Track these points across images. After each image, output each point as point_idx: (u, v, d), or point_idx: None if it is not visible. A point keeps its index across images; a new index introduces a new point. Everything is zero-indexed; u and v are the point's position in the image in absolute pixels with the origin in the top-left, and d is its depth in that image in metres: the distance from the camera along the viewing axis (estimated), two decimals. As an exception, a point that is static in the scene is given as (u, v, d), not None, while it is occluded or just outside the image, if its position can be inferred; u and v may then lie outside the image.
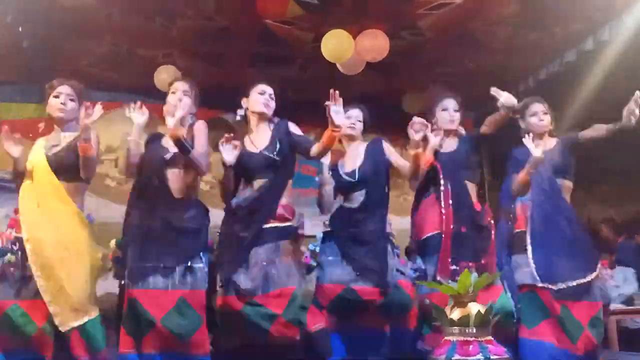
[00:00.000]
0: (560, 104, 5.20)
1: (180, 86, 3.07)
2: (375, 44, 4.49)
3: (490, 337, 2.32)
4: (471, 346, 2.27)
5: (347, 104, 3.41)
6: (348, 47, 4.45)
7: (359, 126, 3.41)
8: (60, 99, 2.93)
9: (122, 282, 2.96)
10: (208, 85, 5.52)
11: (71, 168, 2.81)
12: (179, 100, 2.99)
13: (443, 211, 3.15)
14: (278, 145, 3.00)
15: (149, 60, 5.05)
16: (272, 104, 3.12)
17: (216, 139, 4.33)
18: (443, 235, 3.12)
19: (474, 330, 2.30)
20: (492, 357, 2.23)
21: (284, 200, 2.99)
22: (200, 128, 2.98)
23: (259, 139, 3.07)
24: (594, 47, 4.55)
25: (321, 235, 3.30)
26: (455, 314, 2.36)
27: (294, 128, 3.11)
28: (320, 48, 4.44)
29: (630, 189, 6.20)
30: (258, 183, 2.99)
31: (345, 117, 3.17)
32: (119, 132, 5.84)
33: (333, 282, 3.05)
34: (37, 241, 2.73)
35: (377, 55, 4.55)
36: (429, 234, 3.21)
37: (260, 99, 3.09)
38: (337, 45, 4.43)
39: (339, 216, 3.24)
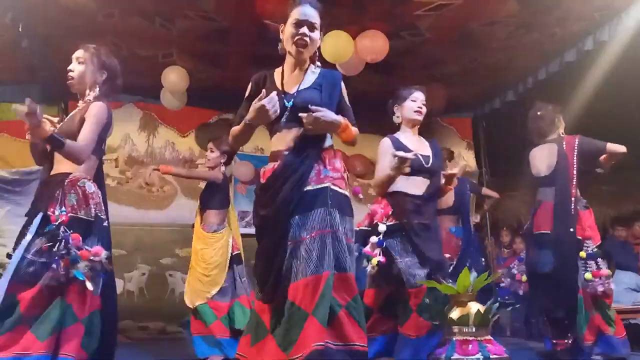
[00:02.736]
0: (559, 104, 5.21)
1: (75, 55, 2.70)
2: (374, 45, 4.49)
3: (489, 337, 2.33)
4: (470, 345, 2.27)
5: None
6: (348, 47, 4.45)
7: (424, 110, 3.19)
8: None
9: None
10: (208, 85, 5.55)
11: None
12: (71, 70, 2.66)
13: None
14: (322, 91, 2.27)
15: (149, 60, 5.05)
16: (313, 39, 2.28)
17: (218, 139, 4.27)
18: None
19: (474, 330, 2.30)
20: (491, 357, 2.24)
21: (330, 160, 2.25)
22: (92, 112, 2.55)
23: (293, 79, 2.33)
24: (593, 47, 4.55)
25: (385, 228, 2.95)
26: (455, 314, 2.36)
27: (344, 89, 2.37)
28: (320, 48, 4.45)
29: (629, 189, 6.22)
30: (290, 135, 2.24)
31: (411, 100, 3.14)
32: (119, 132, 5.87)
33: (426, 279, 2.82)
34: None
35: (376, 56, 4.56)
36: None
37: (293, 34, 2.27)
38: (336, 46, 4.43)
39: (402, 205, 2.97)
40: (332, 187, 2.17)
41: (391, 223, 2.95)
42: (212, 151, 4.26)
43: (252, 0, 4.17)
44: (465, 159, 6.75)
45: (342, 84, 2.35)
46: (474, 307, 2.34)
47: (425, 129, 6.61)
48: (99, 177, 2.64)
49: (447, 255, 3.41)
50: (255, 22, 4.41)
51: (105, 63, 2.71)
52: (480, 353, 2.23)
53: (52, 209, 2.42)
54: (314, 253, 2.05)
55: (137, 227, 5.73)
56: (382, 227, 2.92)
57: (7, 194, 5.20)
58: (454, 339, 2.32)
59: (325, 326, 1.98)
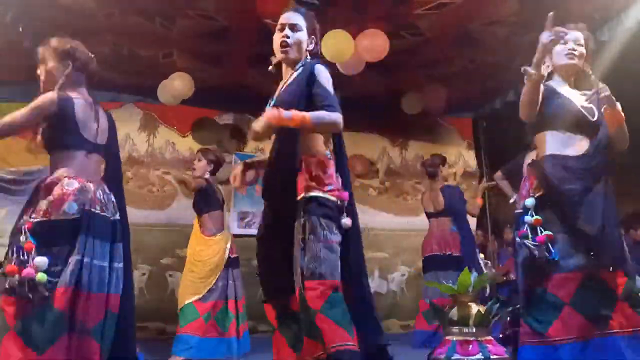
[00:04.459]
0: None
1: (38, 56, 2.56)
2: (375, 44, 4.49)
3: (489, 337, 2.33)
4: (471, 346, 2.27)
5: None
6: (348, 47, 4.45)
7: (580, 52, 2.70)
8: None
9: None
10: (208, 85, 5.55)
11: None
12: (38, 75, 2.51)
13: None
14: (294, 86, 2.28)
15: (149, 60, 5.05)
16: (295, 39, 2.33)
17: (221, 140, 4.20)
18: None
19: (474, 330, 2.30)
20: (491, 357, 2.24)
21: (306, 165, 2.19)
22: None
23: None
24: (593, 47, 4.55)
25: (532, 202, 2.37)
26: (455, 314, 2.36)
27: (323, 75, 2.25)
28: (320, 48, 4.46)
29: (628, 188, 6.22)
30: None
31: (562, 43, 2.65)
32: (119, 132, 5.86)
33: (571, 270, 2.23)
34: None
35: (376, 55, 4.56)
36: None
37: (277, 38, 2.37)
38: (337, 45, 4.43)
39: (549, 169, 2.39)
40: (313, 195, 2.13)
41: (539, 194, 2.38)
42: (199, 160, 4.40)
43: (252, 0, 4.17)
44: (465, 159, 6.77)
45: (318, 72, 2.24)
46: (474, 307, 2.34)
47: (426, 130, 6.64)
48: (87, 171, 2.42)
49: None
50: (255, 22, 4.41)
51: (65, 52, 2.46)
52: (480, 353, 2.23)
53: (26, 216, 2.25)
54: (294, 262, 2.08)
55: (137, 227, 5.72)
56: (529, 202, 2.37)
57: (7, 194, 5.20)
58: (454, 339, 2.32)
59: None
